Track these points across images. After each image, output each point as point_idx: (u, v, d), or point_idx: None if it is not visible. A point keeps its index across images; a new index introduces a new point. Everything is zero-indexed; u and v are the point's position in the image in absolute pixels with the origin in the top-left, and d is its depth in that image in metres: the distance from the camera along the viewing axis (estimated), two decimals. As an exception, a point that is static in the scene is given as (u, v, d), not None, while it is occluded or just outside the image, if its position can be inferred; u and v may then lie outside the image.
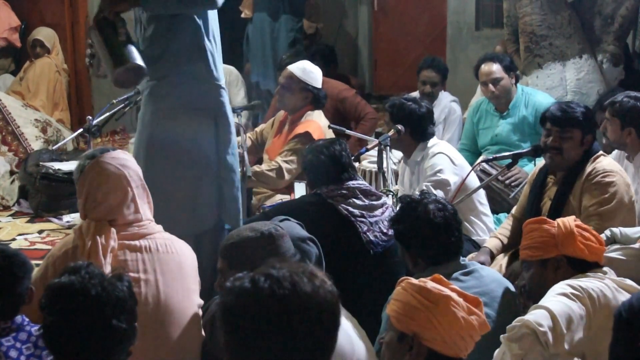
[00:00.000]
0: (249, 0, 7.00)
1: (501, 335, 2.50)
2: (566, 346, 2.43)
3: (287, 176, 4.75)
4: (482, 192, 4.17)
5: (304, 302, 1.65)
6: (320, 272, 1.74)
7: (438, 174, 4.03)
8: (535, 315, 2.46)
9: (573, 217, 2.83)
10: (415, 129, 4.15)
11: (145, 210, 2.84)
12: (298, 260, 2.60)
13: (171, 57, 3.42)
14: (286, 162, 4.76)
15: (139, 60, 3.22)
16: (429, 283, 2.23)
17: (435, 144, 4.20)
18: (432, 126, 4.23)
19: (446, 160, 4.07)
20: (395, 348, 2.21)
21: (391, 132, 4.40)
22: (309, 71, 4.98)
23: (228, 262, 2.67)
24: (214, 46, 3.48)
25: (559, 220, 2.78)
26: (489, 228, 4.15)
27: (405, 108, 4.15)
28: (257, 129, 5.34)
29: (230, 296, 1.69)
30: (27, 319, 2.42)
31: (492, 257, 3.69)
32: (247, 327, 1.65)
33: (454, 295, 2.20)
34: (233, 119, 3.66)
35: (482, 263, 3.55)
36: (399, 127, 4.29)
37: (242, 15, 7.02)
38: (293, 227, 2.89)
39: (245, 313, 1.65)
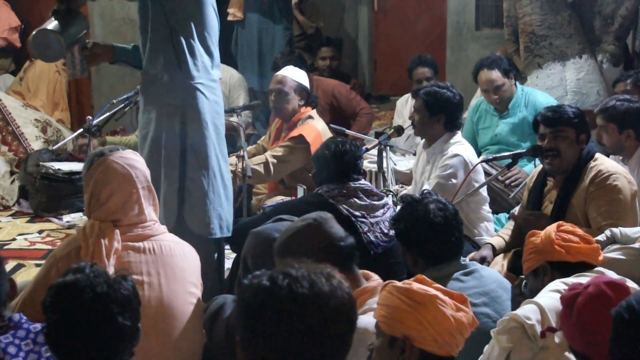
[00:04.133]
0: (240, 2, 6.71)
1: (492, 330, 2.51)
2: (556, 340, 2.44)
3: (272, 169, 4.64)
4: (484, 192, 4.16)
5: (322, 302, 1.67)
6: (337, 274, 1.76)
7: (452, 179, 3.94)
8: (524, 310, 2.48)
9: (559, 223, 2.82)
10: (450, 118, 4.09)
11: (150, 211, 2.83)
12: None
13: (150, 54, 3.49)
14: (273, 156, 4.68)
15: (55, 32, 3.33)
16: (414, 284, 2.24)
17: (458, 142, 4.11)
18: (462, 115, 4.19)
19: (463, 165, 3.99)
20: (387, 353, 2.21)
21: (391, 132, 4.41)
22: (297, 71, 4.95)
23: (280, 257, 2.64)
24: (194, 46, 3.45)
25: (544, 230, 2.80)
26: (491, 229, 4.14)
27: (441, 96, 4.08)
28: (260, 141, 5.30)
29: (248, 293, 1.71)
30: (24, 317, 2.38)
31: (495, 253, 3.69)
32: (264, 324, 1.67)
33: (439, 294, 2.21)
34: (211, 122, 3.53)
35: (484, 258, 3.57)
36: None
37: (230, 18, 6.65)
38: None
39: (263, 310, 1.67)
